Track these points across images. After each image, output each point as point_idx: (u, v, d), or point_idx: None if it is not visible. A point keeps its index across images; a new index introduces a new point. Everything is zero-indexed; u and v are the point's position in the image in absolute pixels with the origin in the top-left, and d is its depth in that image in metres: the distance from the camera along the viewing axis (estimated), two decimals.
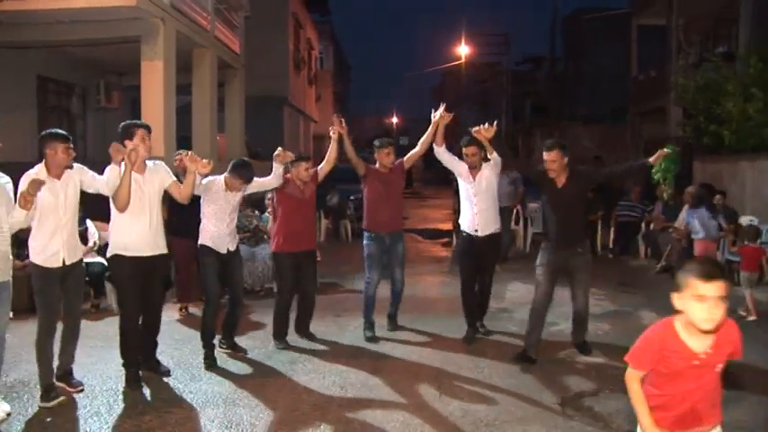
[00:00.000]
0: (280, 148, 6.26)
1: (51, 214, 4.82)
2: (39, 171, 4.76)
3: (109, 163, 5.16)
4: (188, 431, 4.41)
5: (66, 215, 4.89)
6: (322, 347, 6.30)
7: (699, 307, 2.52)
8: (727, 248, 8.92)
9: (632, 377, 2.76)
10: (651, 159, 5.86)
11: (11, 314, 4.89)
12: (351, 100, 49.13)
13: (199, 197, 5.81)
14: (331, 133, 6.55)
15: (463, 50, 34.75)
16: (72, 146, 4.90)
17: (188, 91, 12.86)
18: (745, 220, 9.96)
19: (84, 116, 14.77)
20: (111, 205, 5.13)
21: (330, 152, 6.63)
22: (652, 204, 11.71)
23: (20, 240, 5.48)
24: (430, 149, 6.68)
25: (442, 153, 6.58)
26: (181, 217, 6.88)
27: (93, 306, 7.65)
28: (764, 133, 10.89)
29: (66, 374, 5.09)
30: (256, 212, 9.01)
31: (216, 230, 5.81)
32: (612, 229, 12.05)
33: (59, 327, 5.00)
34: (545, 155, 5.81)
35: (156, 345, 5.58)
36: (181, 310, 7.54)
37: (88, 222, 7.63)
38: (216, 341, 5.96)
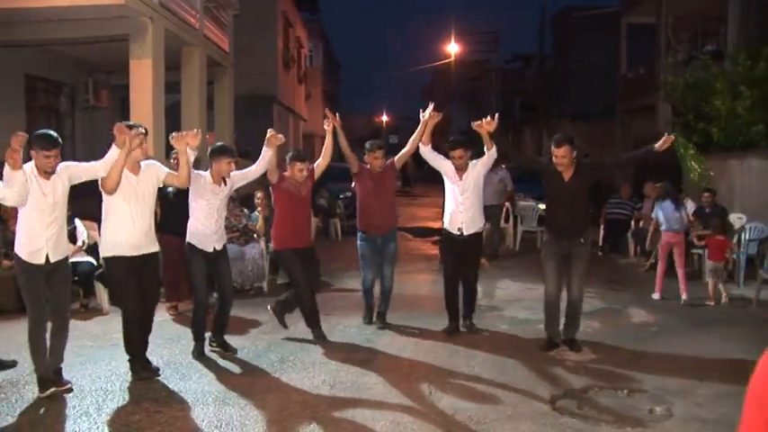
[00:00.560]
0: (271, 130, 6.21)
1: (38, 211, 4.84)
2: (30, 170, 4.78)
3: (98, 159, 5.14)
4: (178, 430, 4.39)
5: (53, 213, 4.90)
6: (312, 346, 6.30)
7: None
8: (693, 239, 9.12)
9: None
10: (657, 145, 5.94)
11: None
12: (341, 98, 49.06)
13: (188, 194, 5.81)
14: (325, 126, 6.56)
15: (453, 48, 34.78)
16: (56, 152, 4.82)
17: (177, 89, 12.79)
18: (734, 218, 10.04)
19: (72, 115, 14.66)
20: (104, 204, 5.16)
21: (326, 146, 6.60)
22: (641, 202, 11.77)
23: (8, 240, 5.45)
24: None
25: (427, 152, 6.64)
26: (170, 214, 6.85)
27: (83, 306, 7.60)
28: (753, 131, 10.97)
29: (56, 374, 5.06)
30: (245, 211, 8.98)
31: (203, 228, 5.80)
32: (602, 226, 12.10)
33: (48, 326, 4.98)
34: (554, 150, 5.89)
35: (146, 344, 5.56)
36: (170, 309, 7.51)
37: (77, 221, 7.58)
38: (206, 338, 6.00)
